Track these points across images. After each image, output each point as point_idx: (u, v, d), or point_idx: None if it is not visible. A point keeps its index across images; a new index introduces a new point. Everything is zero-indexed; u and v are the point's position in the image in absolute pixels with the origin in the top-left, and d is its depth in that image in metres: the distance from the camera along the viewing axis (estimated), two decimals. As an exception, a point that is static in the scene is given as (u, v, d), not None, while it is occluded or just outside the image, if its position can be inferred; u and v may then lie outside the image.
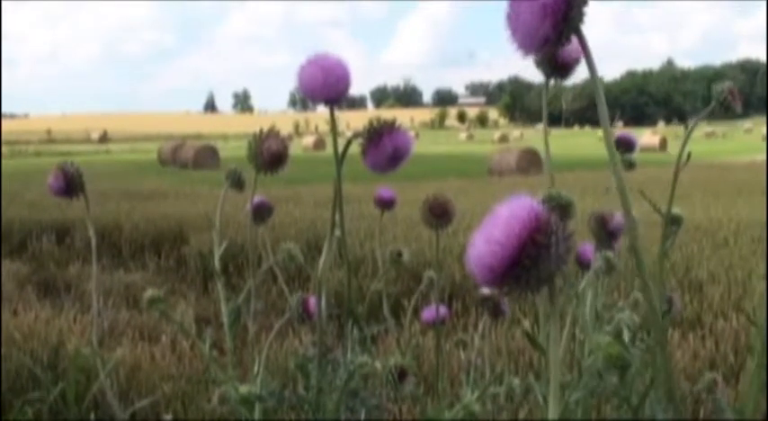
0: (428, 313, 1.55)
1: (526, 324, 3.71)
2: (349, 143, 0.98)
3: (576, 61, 1.15)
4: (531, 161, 20.34)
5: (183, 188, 13.11)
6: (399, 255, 1.49)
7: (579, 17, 0.67)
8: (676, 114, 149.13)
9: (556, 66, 1.15)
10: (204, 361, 3.62)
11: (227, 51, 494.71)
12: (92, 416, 2.67)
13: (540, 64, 1.16)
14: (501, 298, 1.49)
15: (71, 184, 1.20)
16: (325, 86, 0.95)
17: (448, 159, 26.00)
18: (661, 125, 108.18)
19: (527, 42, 0.68)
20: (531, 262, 0.57)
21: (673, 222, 1.27)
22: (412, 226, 6.75)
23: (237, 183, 1.38)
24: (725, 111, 1.15)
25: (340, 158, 0.97)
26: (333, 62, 0.96)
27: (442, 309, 1.51)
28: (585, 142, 50.55)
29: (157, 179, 16.90)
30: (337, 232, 1.05)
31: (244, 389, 1.05)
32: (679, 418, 0.86)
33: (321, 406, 0.99)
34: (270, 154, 1.07)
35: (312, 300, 1.20)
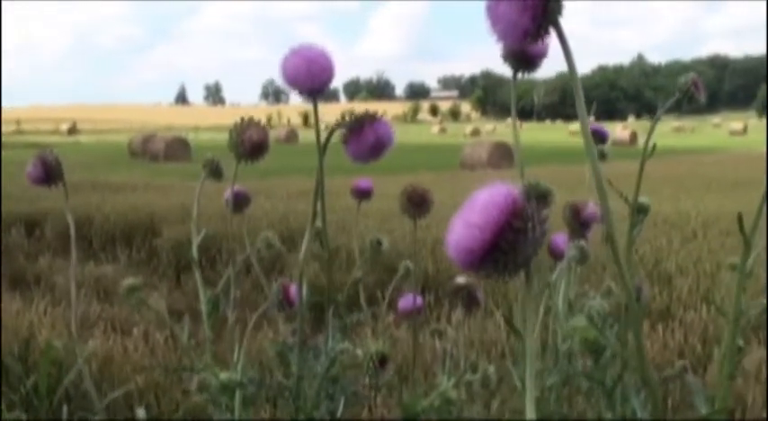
0: (404, 303, 1.57)
1: (498, 315, 3.74)
2: (331, 133, 0.99)
3: (543, 55, 1.17)
4: (502, 155, 20.43)
5: (154, 180, 13.01)
6: (379, 243, 1.51)
7: (558, 10, 0.68)
8: (647, 109, 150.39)
9: (523, 59, 1.17)
10: (179, 352, 3.62)
11: (199, 44, 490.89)
12: (64, 408, 2.65)
13: (507, 58, 1.17)
14: (476, 288, 1.51)
15: (50, 173, 1.20)
16: (308, 77, 0.96)
17: (420, 152, 25.99)
18: (631, 120, 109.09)
19: (507, 35, 0.69)
20: (508, 246, 0.58)
21: (639, 211, 1.30)
22: (384, 219, 6.76)
23: (215, 172, 1.37)
24: (689, 102, 1.17)
25: (322, 149, 0.98)
26: (316, 53, 0.97)
27: (418, 299, 1.52)
28: (557, 136, 50.88)
29: (128, 171, 16.75)
30: (318, 222, 1.06)
31: (224, 376, 1.06)
32: (654, 402, 0.88)
33: (301, 393, 1.00)
34: (251, 143, 1.07)
35: (292, 288, 1.21)
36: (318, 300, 1.37)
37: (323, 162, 0.97)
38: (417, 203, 1.25)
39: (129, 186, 11.33)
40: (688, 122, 78.67)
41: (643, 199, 1.26)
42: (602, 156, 1.57)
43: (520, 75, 1.16)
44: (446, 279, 4.89)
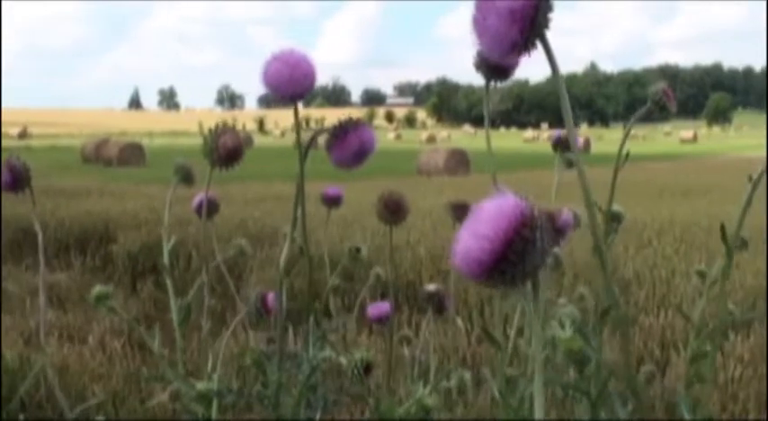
0: (374, 310, 1.56)
1: (459, 322, 3.75)
2: (313, 138, 0.98)
3: (516, 65, 1.18)
4: (458, 161, 20.57)
5: (108, 186, 12.83)
6: (358, 250, 1.50)
7: (545, 23, 0.68)
8: (599, 116, 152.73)
9: (496, 69, 1.18)
10: (137, 360, 3.57)
11: (153, 48, 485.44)
12: (20, 417, 2.61)
13: (479, 67, 1.18)
14: (445, 295, 1.51)
15: (18, 179, 1.17)
16: (291, 82, 0.95)
17: (377, 159, 25.90)
18: (584, 127, 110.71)
19: (495, 47, 0.69)
20: (517, 256, 0.58)
21: (613, 219, 1.31)
22: (345, 226, 6.75)
23: (187, 178, 1.36)
24: (660, 111, 1.19)
25: (303, 155, 0.97)
26: (298, 58, 0.96)
27: (388, 306, 1.52)
28: (512, 143, 51.35)
29: (81, 176, 16.49)
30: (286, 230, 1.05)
31: (201, 385, 1.04)
32: (641, 411, 0.88)
33: (281, 402, 0.99)
34: (226, 149, 1.06)
35: (270, 296, 1.20)
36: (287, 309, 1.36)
37: (303, 168, 0.97)
38: (393, 210, 1.25)
39: (83, 192, 11.15)
40: (640, 130, 79.99)
41: (616, 207, 1.28)
42: (570, 164, 1.59)
43: (488, 83, 1.17)
44: (405, 284, 4.89)
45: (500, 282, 0.60)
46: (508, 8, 0.66)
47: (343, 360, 1.03)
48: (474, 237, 0.59)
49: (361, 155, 0.96)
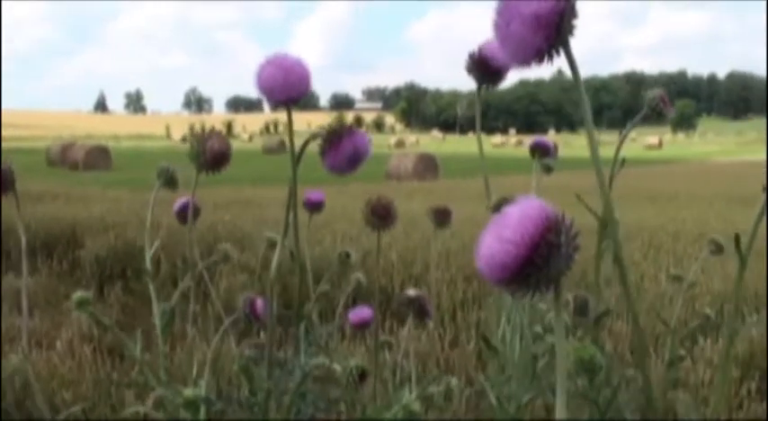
0: (355, 315, 1.56)
1: (431, 325, 3.75)
2: (306, 143, 0.98)
3: (508, 69, 1.18)
4: (427, 166, 20.64)
5: (74, 189, 12.68)
6: (348, 256, 1.50)
7: (569, 30, 0.67)
8: (566, 122, 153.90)
9: (488, 73, 1.17)
10: (107, 366, 3.53)
11: (119, 50, 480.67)
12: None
13: (471, 71, 1.17)
14: (426, 300, 1.51)
15: (3, 182, 1.15)
16: (285, 86, 0.94)
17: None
18: (552, 133, 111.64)
19: (519, 54, 0.68)
20: (542, 261, 0.58)
21: (607, 225, 1.32)
22: (315, 230, 6.72)
23: (170, 181, 1.34)
24: (657, 117, 1.20)
25: (296, 159, 0.96)
26: (293, 62, 0.95)
27: (369, 311, 1.51)
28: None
29: (47, 180, 16.28)
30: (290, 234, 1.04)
31: (188, 391, 1.03)
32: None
33: (270, 408, 0.98)
34: (212, 153, 1.05)
35: (258, 302, 1.19)
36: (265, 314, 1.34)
37: (296, 173, 0.96)
38: (382, 216, 1.25)
39: (49, 195, 11.00)
40: (605, 136, 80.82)
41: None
42: (548, 169, 1.60)
43: (480, 87, 1.17)
44: (377, 290, 4.88)
45: (524, 287, 0.60)
46: (533, 14, 0.65)
47: (337, 367, 1.02)
48: (499, 241, 0.59)
49: (355, 160, 0.95)
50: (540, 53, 0.67)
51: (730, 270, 4.75)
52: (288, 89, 0.94)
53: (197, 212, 1.44)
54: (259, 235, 6.59)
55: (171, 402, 1.04)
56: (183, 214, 1.39)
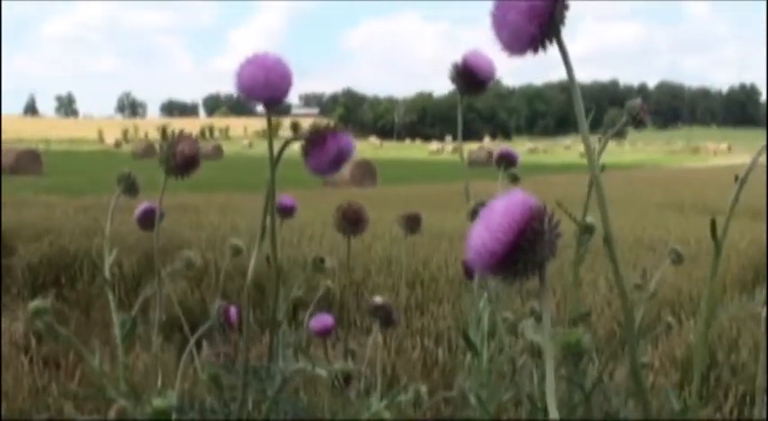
0: (316, 323, 1.53)
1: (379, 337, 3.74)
2: (285, 145, 0.95)
3: (492, 78, 1.20)
4: (365, 172, 20.65)
5: (4, 195, 12.34)
6: (322, 261, 1.47)
7: (561, 19, 0.72)
8: (501, 129, 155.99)
9: (471, 82, 1.19)
10: (47, 377, 3.42)
11: (50, 53, 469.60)
12: None
13: (455, 79, 1.19)
14: (392, 308, 1.50)
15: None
16: (266, 86, 0.91)
17: (283, 169, 25.72)
18: (487, 140, 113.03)
19: (514, 42, 0.72)
20: (529, 246, 0.62)
21: (586, 230, 1.35)
22: (253, 236, 6.65)
23: (130, 188, 1.30)
24: (636, 126, 1.22)
25: (274, 162, 0.94)
26: (274, 61, 0.92)
27: (331, 319, 1.49)
28: (418, 154, 51.90)
29: (-26, 185, 15.81)
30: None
31: (158, 401, 0.99)
32: (647, 410, 0.89)
33: (246, 416, 0.95)
34: (183, 157, 1.02)
35: (232, 310, 1.16)
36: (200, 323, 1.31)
37: (274, 176, 0.93)
38: (353, 221, 1.23)
39: (-23, 201, 10.69)
40: (541, 144, 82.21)
41: (589, 219, 1.32)
42: (515, 179, 1.61)
43: (462, 96, 1.17)
44: (333, 296, 4.85)
45: (512, 273, 0.63)
46: (528, 5, 0.70)
47: (321, 371, 1.00)
48: (488, 230, 0.62)
49: (338, 162, 0.93)
50: (535, 41, 0.72)
51: (667, 275, 4.85)
52: (269, 89, 0.92)
53: (160, 217, 1.40)
54: (197, 240, 6.49)
55: (133, 414, 1.00)
56: (144, 220, 1.35)
